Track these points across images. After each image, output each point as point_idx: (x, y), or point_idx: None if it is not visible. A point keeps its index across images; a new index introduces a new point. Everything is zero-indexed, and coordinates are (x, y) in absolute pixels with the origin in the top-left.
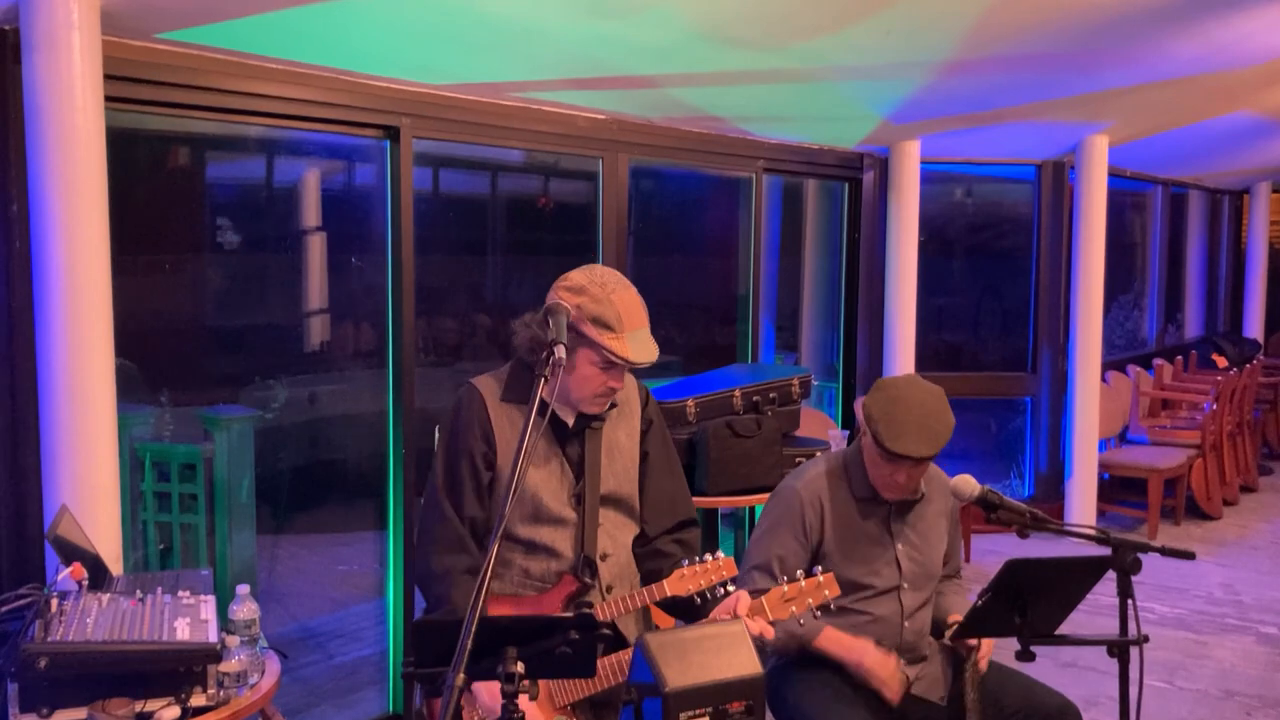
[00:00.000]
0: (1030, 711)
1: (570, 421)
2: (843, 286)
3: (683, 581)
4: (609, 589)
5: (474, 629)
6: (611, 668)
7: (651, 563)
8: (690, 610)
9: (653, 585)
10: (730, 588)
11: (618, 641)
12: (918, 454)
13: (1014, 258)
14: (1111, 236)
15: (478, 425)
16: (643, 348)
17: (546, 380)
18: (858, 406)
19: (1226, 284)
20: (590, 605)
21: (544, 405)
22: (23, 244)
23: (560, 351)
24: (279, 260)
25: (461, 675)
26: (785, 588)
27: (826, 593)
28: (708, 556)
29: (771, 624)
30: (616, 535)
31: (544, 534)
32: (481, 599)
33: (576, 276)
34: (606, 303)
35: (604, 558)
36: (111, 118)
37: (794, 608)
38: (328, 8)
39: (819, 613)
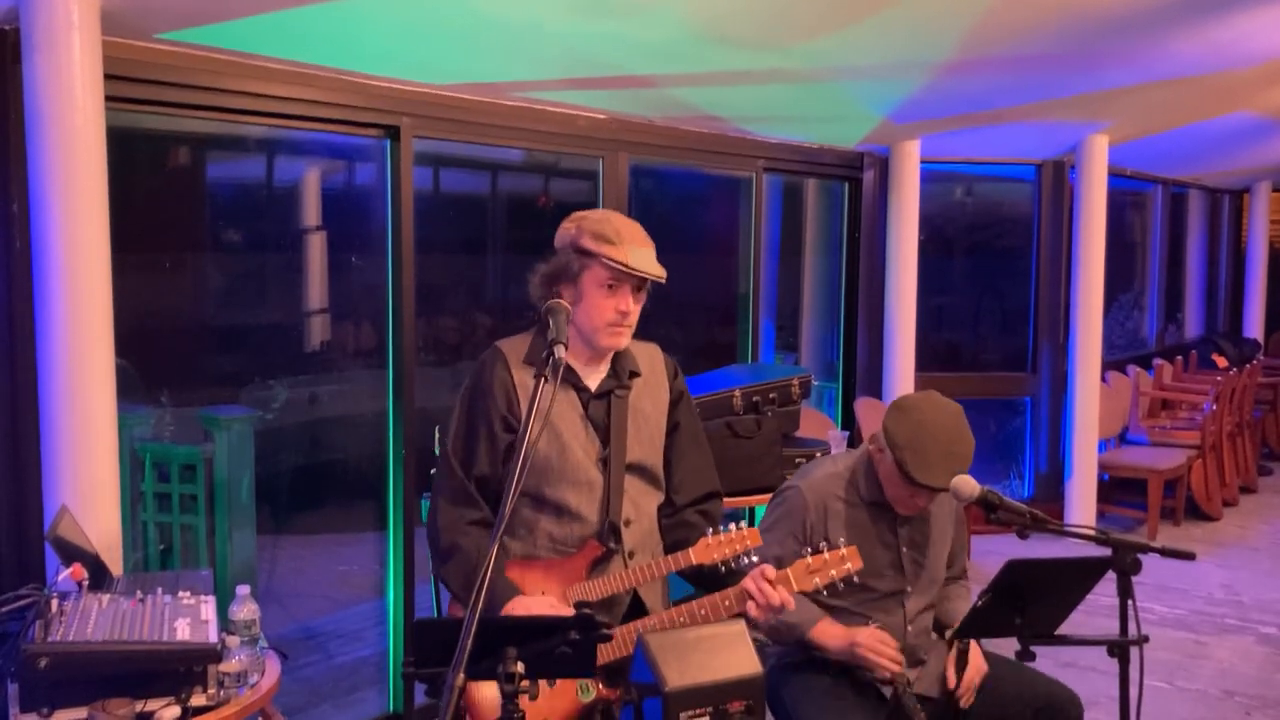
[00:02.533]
0: (1033, 702)
1: (594, 386)
2: (843, 286)
3: (708, 550)
4: (631, 555)
5: (474, 629)
6: (631, 635)
7: (677, 533)
8: (715, 580)
9: (678, 553)
10: (754, 558)
11: (639, 609)
12: (946, 486)
13: (1014, 257)
14: (1111, 236)
15: (499, 387)
16: (645, 259)
17: (547, 380)
18: (859, 407)
19: (1226, 284)
20: (589, 606)
21: (557, 368)
22: (23, 244)
23: (560, 351)
24: (279, 260)
25: (461, 675)
26: (810, 559)
27: (849, 565)
28: (732, 526)
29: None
30: (640, 502)
31: (569, 496)
32: (482, 598)
33: (580, 211)
34: (605, 221)
35: (628, 524)
36: (111, 116)
37: (818, 579)
38: (328, 8)
39: (842, 584)
